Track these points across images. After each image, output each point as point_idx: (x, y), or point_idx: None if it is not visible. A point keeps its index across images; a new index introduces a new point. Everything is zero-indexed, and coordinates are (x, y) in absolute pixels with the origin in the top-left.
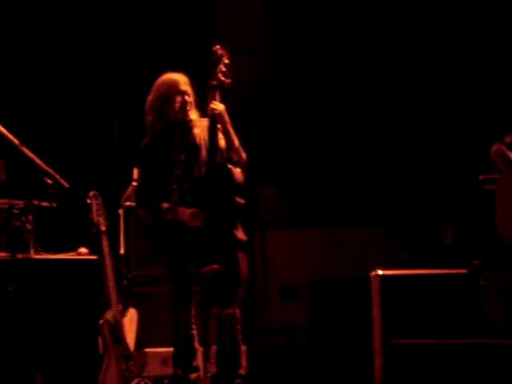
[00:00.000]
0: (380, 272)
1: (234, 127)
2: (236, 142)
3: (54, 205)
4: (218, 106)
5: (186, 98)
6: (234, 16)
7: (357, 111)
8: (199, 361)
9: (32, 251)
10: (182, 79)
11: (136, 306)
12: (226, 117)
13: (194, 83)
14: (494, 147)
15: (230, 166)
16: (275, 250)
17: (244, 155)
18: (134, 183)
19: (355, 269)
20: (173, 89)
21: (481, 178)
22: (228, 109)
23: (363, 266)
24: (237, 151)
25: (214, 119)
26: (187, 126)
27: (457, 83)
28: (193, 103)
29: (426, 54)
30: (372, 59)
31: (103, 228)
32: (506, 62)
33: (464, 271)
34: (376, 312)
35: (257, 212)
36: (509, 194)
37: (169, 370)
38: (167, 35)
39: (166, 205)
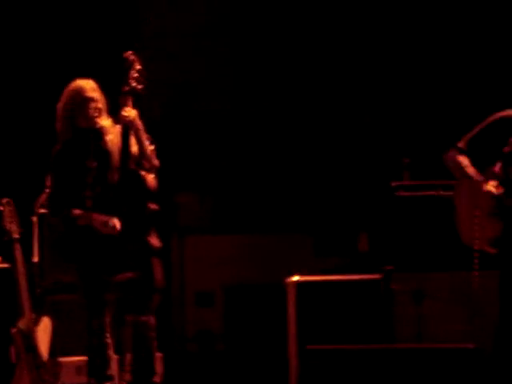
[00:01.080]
0: (295, 278)
1: (151, 133)
2: (148, 149)
3: None
4: (130, 112)
5: (94, 104)
6: (157, 23)
7: (273, 118)
8: (114, 369)
9: None
10: (89, 85)
11: (49, 315)
12: (139, 123)
13: (111, 89)
14: (449, 153)
15: (142, 173)
16: (192, 256)
17: (156, 162)
18: (48, 190)
19: (271, 275)
20: (80, 96)
21: (393, 184)
22: (144, 115)
23: (279, 273)
24: (148, 159)
25: (127, 126)
26: (99, 132)
27: (370, 88)
28: (103, 109)
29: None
30: (288, 68)
31: (16, 235)
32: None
33: (378, 277)
34: (292, 318)
35: (175, 218)
36: (463, 201)
37: (83, 379)
38: (87, 39)
39: (78, 212)
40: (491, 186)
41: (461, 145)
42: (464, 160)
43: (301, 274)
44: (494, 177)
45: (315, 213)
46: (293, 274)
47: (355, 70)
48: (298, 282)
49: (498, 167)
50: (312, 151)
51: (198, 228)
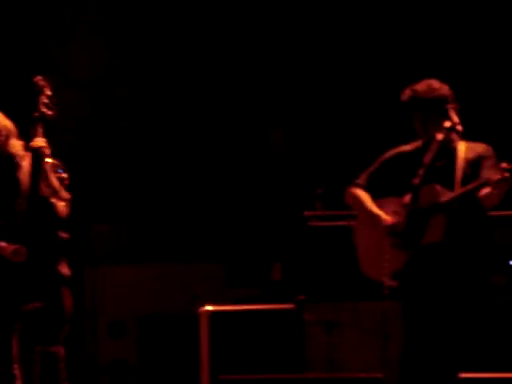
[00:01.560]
0: (208, 308)
1: (65, 163)
2: (54, 181)
3: None
4: (38, 141)
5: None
6: (69, 48)
7: (186, 148)
8: None
9: None
10: None
11: None
12: (46, 152)
13: (22, 115)
14: (348, 190)
15: (52, 200)
16: (105, 285)
17: (65, 195)
18: None
19: (184, 304)
20: None
21: (306, 214)
22: (58, 144)
23: (192, 302)
24: (56, 191)
25: (37, 154)
26: (8, 159)
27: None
28: (10, 137)
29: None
30: (201, 97)
31: None
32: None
33: (290, 306)
34: (204, 348)
35: (89, 248)
36: (363, 236)
37: None
38: None
39: None
40: (387, 221)
41: (360, 181)
42: (364, 195)
43: (213, 303)
44: (404, 208)
45: (227, 242)
46: (206, 304)
47: (266, 104)
48: (210, 312)
49: (407, 198)
50: (226, 181)
51: (112, 257)
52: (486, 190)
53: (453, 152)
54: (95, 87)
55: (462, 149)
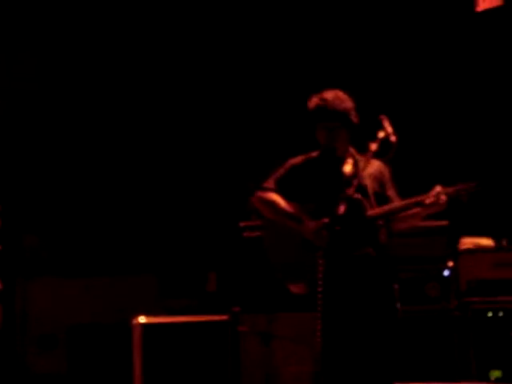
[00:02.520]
0: (141, 320)
1: None
2: None
3: None
4: None
5: None
6: None
7: (113, 159)
8: None
9: None
10: None
11: None
12: None
13: None
14: (258, 194)
15: None
16: (36, 298)
17: None
18: None
19: (117, 316)
20: None
21: (241, 224)
22: None
23: (125, 314)
24: None
25: None
26: None
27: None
28: None
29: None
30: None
31: None
32: None
33: (225, 318)
34: (137, 359)
35: (19, 260)
36: (275, 241)
37: None
38: None
39: None
40: (310, 226)
41: (269, 185)
42: (280, 199)
43: (147, 315)
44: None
45: (160, 254)
46: (139, 316)
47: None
48: (143, 324)
49: (342, 208)
50: (159, 191)
51: (43, 270)
52: (414, 210)
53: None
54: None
55: (363, 162)
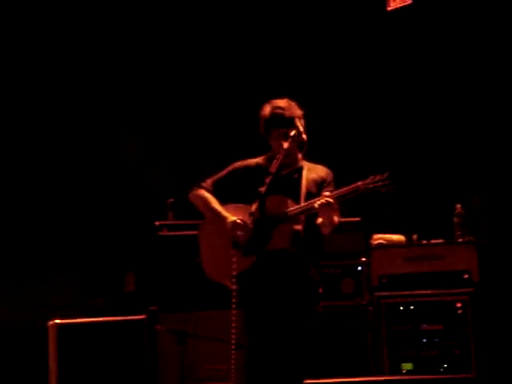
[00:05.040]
0: (57, 321)
1: None
2: None
3: None
4: None
5: None
6: None
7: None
8: None
9: None
10: None
11: None
12: None
13: None
14: (194, 191)
15: None
16: None
17: None
18: None
19: (35, 318)
20: None
21: (157, 223)
22: None
23: (43, 315)
24: None
25: None
26: None
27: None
28: None
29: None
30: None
31: None
32: None
33: (142, 317)
34: (52, 361)
35: None
36: (207, 238)
37: None
38: None
39: None
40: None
41: (206, 184)
42: (210, 197)
43: (63, 316)
44: (251, 215)
45: (80, 254)
46: (55, 317)
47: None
48: (59, 325)
49: (254, 206)
50: (76, 191)
51: None
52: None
53: (297, 165)
54: None
55: (305, 167)
